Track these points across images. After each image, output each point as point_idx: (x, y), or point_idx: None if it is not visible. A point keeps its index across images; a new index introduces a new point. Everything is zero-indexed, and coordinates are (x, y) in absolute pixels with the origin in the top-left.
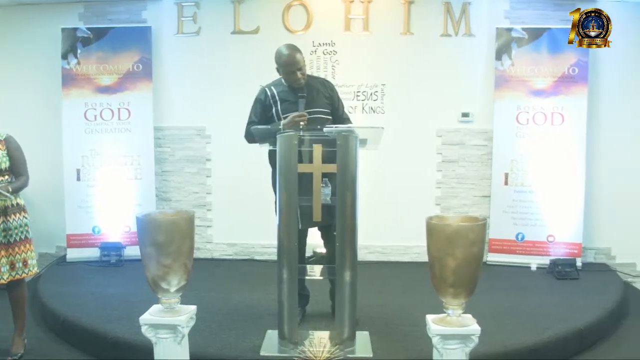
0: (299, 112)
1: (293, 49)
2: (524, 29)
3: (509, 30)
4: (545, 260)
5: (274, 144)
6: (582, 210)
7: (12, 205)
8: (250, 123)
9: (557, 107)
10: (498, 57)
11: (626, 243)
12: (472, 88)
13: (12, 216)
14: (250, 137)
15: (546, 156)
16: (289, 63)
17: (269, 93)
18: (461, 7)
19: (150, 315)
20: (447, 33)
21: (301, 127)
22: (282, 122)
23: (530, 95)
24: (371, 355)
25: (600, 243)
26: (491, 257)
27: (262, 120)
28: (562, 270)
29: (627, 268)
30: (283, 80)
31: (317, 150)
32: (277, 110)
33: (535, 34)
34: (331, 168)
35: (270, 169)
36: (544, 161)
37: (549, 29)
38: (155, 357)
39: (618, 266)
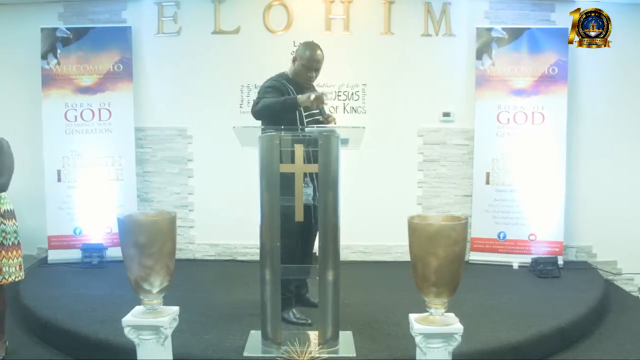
0: (317, 94)
1: (321, 49)
2: (504, 29)
3: (489, 30)
4: (527, 259)
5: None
6: (563, 208)
7: (8, 210)
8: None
9: (538, 107)
10: (478, 56)
11: (607, 241)
12: (453, 88)
13: (7, 221)
14: (263, 112)
15: (527, 155)
16: (315, 60)
17: (284, 83)
18: (441, 7)
19: (133, 317)
20: (427, 33)
21: (316, 108)
22: (299, 96)
23: (511, 94)
24: (355, 355)
25: (581, 241)
26: (473, 256)
27: None
28: (544, 269)
29: (608, 266)
30: (290, 74)
31: (299, 150)
32: None
33: (515, 34)
34: (313, 168)
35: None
36: (524, 160)
37: (529, 28)
38: (138, 359)
39: (599, 264)
